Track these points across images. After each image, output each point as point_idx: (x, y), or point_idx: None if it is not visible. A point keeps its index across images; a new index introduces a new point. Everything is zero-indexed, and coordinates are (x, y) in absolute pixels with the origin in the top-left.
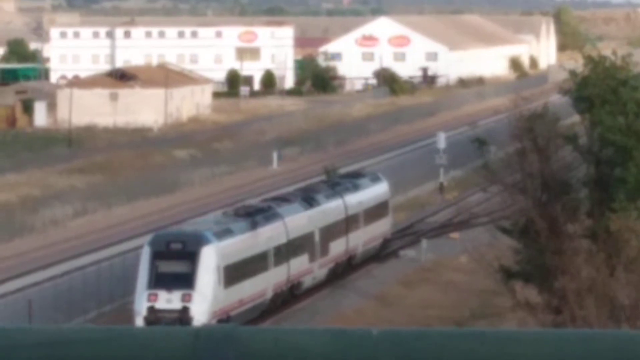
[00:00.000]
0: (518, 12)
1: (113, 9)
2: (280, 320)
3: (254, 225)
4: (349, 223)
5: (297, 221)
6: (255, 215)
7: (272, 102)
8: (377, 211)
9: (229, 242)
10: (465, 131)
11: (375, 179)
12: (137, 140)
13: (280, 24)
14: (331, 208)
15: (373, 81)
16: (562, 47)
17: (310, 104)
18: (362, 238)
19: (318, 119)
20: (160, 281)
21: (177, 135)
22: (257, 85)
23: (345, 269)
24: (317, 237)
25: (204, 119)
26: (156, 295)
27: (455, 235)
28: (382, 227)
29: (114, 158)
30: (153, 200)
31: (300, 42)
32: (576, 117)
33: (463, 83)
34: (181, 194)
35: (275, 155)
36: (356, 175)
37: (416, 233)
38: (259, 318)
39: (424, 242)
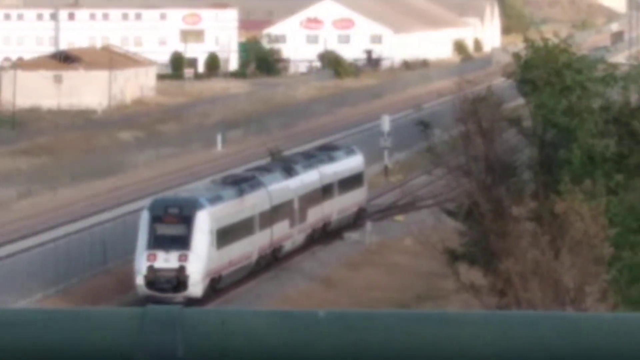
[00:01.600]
0: None
1: None
2: (226, 302)
3: (241, 193)
4: (324, 192)
5: (278, 189)
6: (242, 183)
7: (217, 85)
8: (351, 182)
9: (220, 207)
10: (409, 114)
11: (350, 152)
12: (81, 122)
13: (224, 6)
14: (308, 178)
15: (317, 64)
16: (506, 30)
17: (255, 86)
18: (337, 206)
19: (262, 101)
20: (158, 242)
21: (121, 118)
22: (201, 68)
23: (320, 235)
24: (296, 205)
25: (148, 101)
26: (155, 255)
27: (400, 217)
28: (356, 197)
29: (58, 140)
30: (98, 182)
31: (245, 24)
32: (520, 100)
33: (407, 66)
34: (126, 176)
35: (219, 138)
36: (331, 147)
37: (361, 215)
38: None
39: (369, 225)
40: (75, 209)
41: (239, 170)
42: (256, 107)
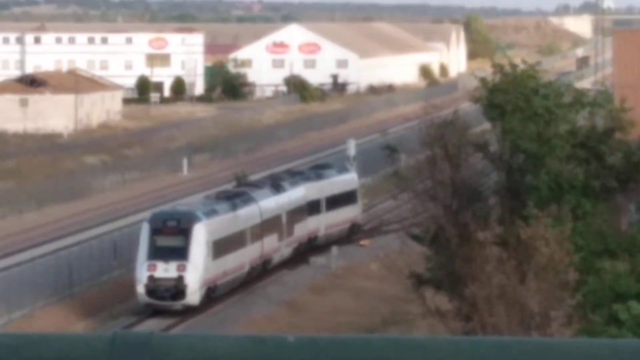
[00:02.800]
0: (429, 20)
1: (23, 14)
2: (192, 326)
3: (234, 207)
4: (310, 208)
5: (268, 204)
6: (234, 198)
7: (182, 109)
8: (341, 198)
9: (215, 221)
10: (375, 138)
11: (342, 170)
12: (47, 145)
13: (190, 30)
14: (294, 194)
15: (283, 88)
16: (472, 55)
17: (221, 110)
18: (324, 222)
19: (228, 125)
20: (158, 253)
21: (87, 141)
22: (167, 92)
23: (306, 248)
24: (284, 219)
25: (114, 125)
26: (155, 265)
27: (365, 242)
28: (348, 213)
29: (24, 163)
30: (64, 205)
31: (211, 48)
32: (486, 125)
33: (373, 90)
34: (92, 200)
35: (185, 162)
36: (323, 166)
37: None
38: (180, 319)
39: (335, 249)
40: (41, 233)
41: (230, 186)
42: (222, 131)
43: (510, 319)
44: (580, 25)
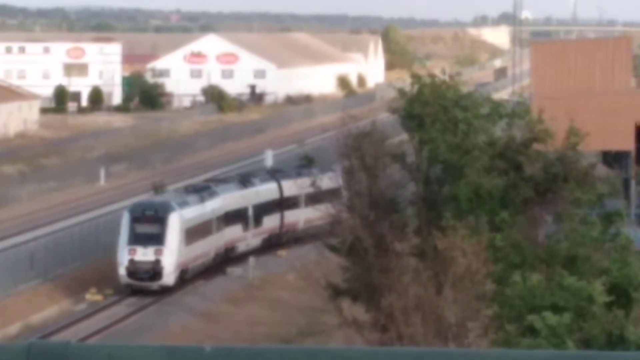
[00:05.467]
0: (347, 30)
1: None
2: (109, 336)
3: (202, 199)
4: (283, 202)
5: (232, 198)
6: (201, 192)
7: (100, 119)
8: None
9: (187, 211)
10: (293, 149)
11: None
12: None
13: (108, 40)
14: (265, 189)
15: (201, 98)
16: (390, 66)
17: (138, 120)
18: (303, 216)
19: (146, 135)
20: (137, 239)
21: (4, 151)
22: (85, 102)
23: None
24: (250, 212)
25: (32, 134)
26: (135, 250)
27: (282, 252)
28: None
29: None
30: None
31: (128, 58)
32: (404, 136)
33: (291, 101)
34: (8, 210)
35: (102, 172)
36: (306, 165)
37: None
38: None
39: (251, 260)
40: None
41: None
42: (139, 141)
43: (427, 329)
44: (498, 36)
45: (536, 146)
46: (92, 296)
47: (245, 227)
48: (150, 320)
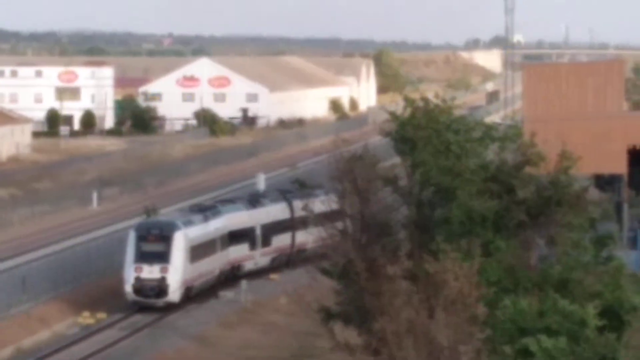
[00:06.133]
0: (339, 54)
1: None
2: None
3: (206, 219)
4: (295, 222)
5: (237, 217)
6: (206, 211)
7: (92, 142)
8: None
9: (192, 230)
10: (285, 172)
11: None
12: None
13: (100, 64)
14: (275, 209)
15: (193, 122)
16: (382, 89)
17: (130, 144)
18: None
19: (138, 159)
20: (143, 257)
21: None
22: (77, 125)
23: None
24: (258, 231)
25: (24, 158)
26: (141, 267)
27: (274, 276)
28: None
29: None
30: None
31: (121, 82)
32: (396, 159)
33: (283, 124)
34: (0, 233)
35: (94, 195)
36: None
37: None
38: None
39: (244, 283)
40: None
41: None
42: (132, 165)
43: (419, 353)
44: (490, 60)
45: (528, 169)
46: (85, 319)
47: (253, 246)
48: (143, 343)
